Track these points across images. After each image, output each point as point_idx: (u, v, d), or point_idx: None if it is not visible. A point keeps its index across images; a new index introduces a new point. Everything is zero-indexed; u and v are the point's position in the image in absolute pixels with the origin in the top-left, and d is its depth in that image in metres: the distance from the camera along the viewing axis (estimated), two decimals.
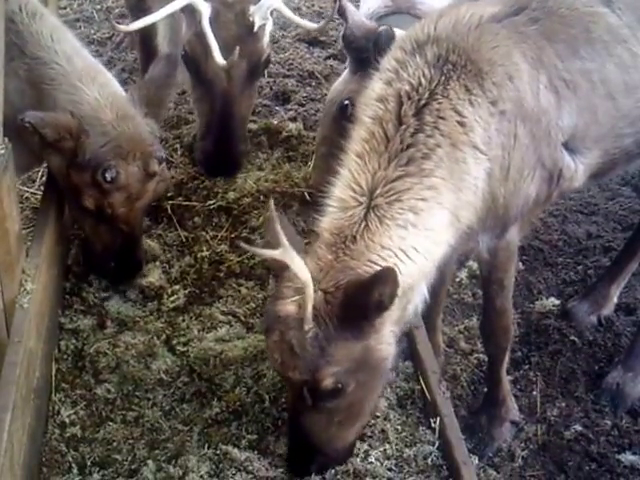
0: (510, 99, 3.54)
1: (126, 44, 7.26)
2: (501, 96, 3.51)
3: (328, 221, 3.40)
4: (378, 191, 3.34)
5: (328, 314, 3.21)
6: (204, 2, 4.76)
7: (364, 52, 4.27)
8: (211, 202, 5.25)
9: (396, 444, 3.90)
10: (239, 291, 4.72)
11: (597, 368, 4.91)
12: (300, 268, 3.17)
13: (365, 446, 3.85)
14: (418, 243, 3.37)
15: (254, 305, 4.63)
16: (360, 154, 3.43)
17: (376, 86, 3.58)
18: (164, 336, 4.42)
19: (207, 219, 5.17)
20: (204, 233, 5.07)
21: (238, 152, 5.26)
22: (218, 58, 4.66)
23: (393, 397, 4.12)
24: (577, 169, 3.89)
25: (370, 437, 3.90)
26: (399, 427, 3.99)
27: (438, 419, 3.95)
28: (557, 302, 5.25)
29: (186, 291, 4.70)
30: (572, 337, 5.04)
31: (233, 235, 5.07)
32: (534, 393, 4.74)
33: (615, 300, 5.20)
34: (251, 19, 4.81)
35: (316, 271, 3.27)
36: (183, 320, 4.52)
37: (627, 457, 4.45)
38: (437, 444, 3.92)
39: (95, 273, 4.64)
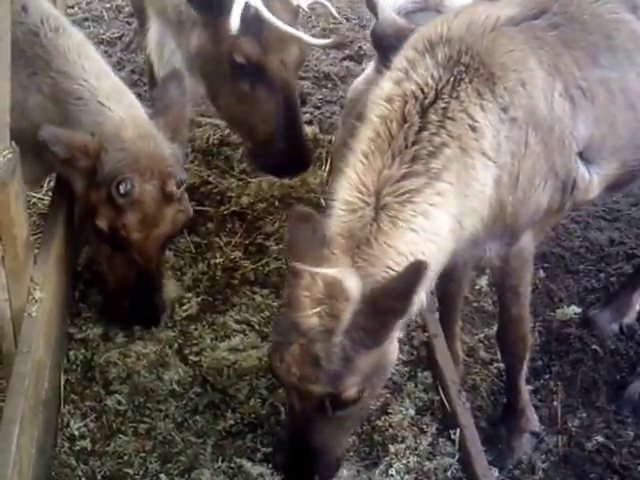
0: (522, 106, 3.48)
1: (136, 45, 7.18)
2: (513, 102, 3.46)
3: (337, 224, 3.32)
4: (385, 190, 3.28)
5: (352, 324, 3.13)
6: None
7: (393, 51, 4.13)
8: (225, 207, 5.20)
9: (416, 457, 3.82)
10: (253, 299, 4.65)
11: (619, 378, 4.86)
12: (354, 288, 3.11)
13: (386, 459, 3.79)
14: (427, 249, 3.32)
15: (269, 313, 4.55)
16: (366, 153, 3.38)
17: (385, 85, 3.54)
18: (176, 345, 4.35)
19: (221, 225, 5.12)
20: (217, 239, 5.02)
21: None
22: (309, 39, 4.52)
23: (412, 408, 4.04)
24: (592, 180, 3.84)
25: (390, 450, 3.83)
26: (418, 439, 3.91)
27: (458, 430, 3.88)
28: (578, 310, 5.19)
29: (199, 299, 4.64)
30: (594, 346, 4.98)
31: (247, 241, 5.02)
32: (555, 403, 4.68)
33: (638, 308, 5.14)
34: (295, 3, 4.56)
35: None
36: (196, 329, 4.45)
37: None
38: (457, 456, 3.84)
39: (108, 317, 4.45)
